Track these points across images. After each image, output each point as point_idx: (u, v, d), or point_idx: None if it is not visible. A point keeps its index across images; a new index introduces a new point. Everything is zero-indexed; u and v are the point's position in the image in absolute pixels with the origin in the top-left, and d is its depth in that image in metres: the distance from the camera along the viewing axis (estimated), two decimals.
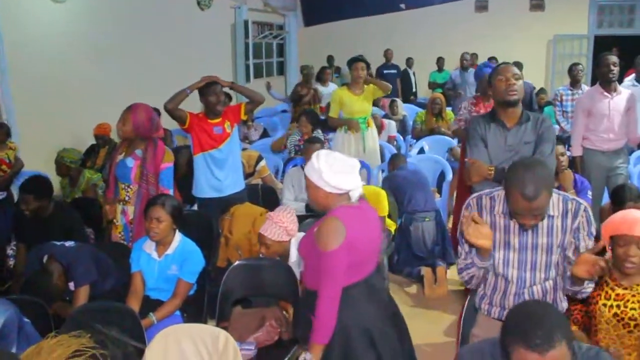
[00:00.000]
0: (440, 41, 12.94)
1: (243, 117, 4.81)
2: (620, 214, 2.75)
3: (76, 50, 6.95)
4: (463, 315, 2.95)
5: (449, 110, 8.44)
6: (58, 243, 3.59)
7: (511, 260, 2.51)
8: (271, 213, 3.67)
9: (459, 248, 2.59)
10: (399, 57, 12.28)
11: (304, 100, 8.67)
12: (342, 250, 2.45)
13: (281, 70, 13.87)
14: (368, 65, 6.29)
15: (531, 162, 2.35)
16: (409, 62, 12.47)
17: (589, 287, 2.50)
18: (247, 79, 11.22)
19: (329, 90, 9.32)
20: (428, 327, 4.39)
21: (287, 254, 3.56)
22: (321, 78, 9.93)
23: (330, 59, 13.10)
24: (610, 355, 2.19)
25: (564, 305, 2.63)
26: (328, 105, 8.25)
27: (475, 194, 2.60)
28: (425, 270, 4.89)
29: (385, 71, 11.67)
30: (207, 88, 4.53)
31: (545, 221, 2.42)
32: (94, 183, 5.88)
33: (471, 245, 2.46)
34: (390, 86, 6.33)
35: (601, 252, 2.39)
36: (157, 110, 5.02)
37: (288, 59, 13.80)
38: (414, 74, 12.46)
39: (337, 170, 2.53)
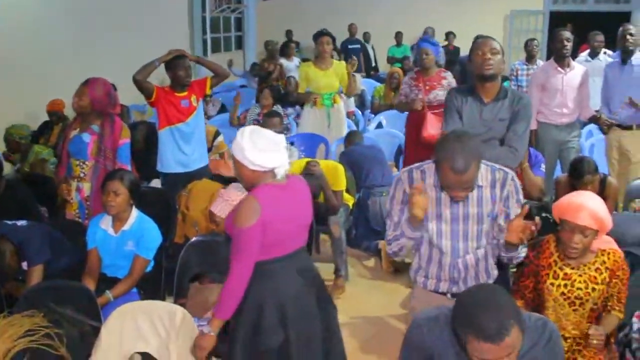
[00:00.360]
0: (399, 16, 12.95)
1: (208, 91, 4.77)
2: (567, 197, 2.77)
3: (24, 25, 6.74)
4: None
5: None
6: (9, 222, 3.50)
7: (444, 231, 2.55)
8: (223, 190, 3.65)
9: (388, 220, 2.62)
10: (359, 31, 12.27)
11: (272, 76, 8.62)
12: (255, 228, 2.44)
13: (239, 44, 13.71)
14: (334, 40, 6.28)
15: (460, 135, 2.37)
16: (366, 36, 12.47)
17: (522, 252, 2.58)
18: (205, 54, 11.07)
19: (294, 64, 9.29)
20: (386, 299, 4.48)
21: None
22: (285, 52, 9.86)
23: (289, 33, 13.00)
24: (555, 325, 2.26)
25: (494, 273, 2.69)
26: (290, 78, 8.25)
27: (405, 168, 2.63)
28: (383, 244, 4.94)
29: (350, 46, 11.65)
30: (176, 61, 4.52)
31: (474, 191, 2.46)
32: (42, 157, 5.73)
33: (408, 216, 2.47)
34: (359, 89, 6.34)
35: (529, 216, 2.44)
36: (113, 86, 4.93)
37: (246, 33, 13.65)
38: (372, 48, 12.47)
39: (261, 147, 2.49)
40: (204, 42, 11.25)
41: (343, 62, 6.35)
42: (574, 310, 2.80)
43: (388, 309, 4.31)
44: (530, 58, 7.15)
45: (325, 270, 4.79)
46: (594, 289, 2.76)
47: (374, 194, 5.19)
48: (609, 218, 2.70)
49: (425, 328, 2.15)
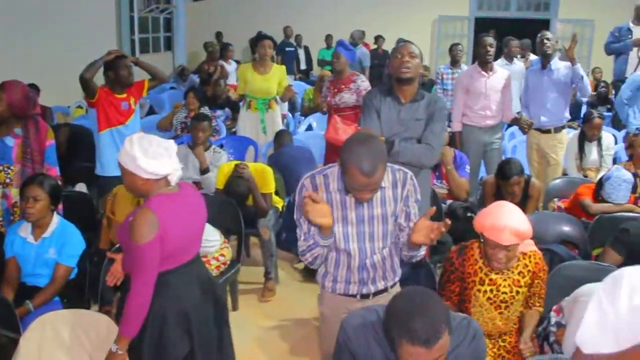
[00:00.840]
0: (330, 18, 13.04)
1: (144, 93, 4.69)
2: (490, 215, 2.78)
3: None
4: None
5: None
6: None
7: (350, 234, 2.55)
8: None
9: (298, 230, 2.59)
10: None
11: (213, 77, 8.52)
12: (154, 243, 2.39)
13: (169, 45, 13.49)
14: (275, 44, 6.26)
15: (366, 138, 2.38)
16: (298, 39, 12.49)
17: (422, 251, 2.61)
18: (133, 54, 10.81)
19: (232, 67, 9.24)
20: (316, 301, 4.43)
21: None
22: (224, 55, 9.78)
23: (219, 35, 12.89)
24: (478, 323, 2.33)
25: (399, 272, 2.73)
26: (219, 81, 8.20)
27: (307, 174, 2.62)
28: None
29: (287, 48, 11.64)
30: (118, 61, 4.44)
31: (378, 193, 2.48)
32: None
33: (313, 225, 2.46)
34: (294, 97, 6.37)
35: (437, 217, 2.50)
36: (35, 86, 4.76)
37: (176, 34, 13.44)
38: (305, 50, 12.50)
39: (152, 154, 2.43)
40: (132, 42, 11.02)
41: (283, 67, 6.33)
42: (499, 313, 2.88)
43: (318, 310, 4.29)
44: (454, 62, 7.34)
45: (256, 273, 4.79)
46: (518, 292, 2.86)
47: None
48: (529, 227, 2.75)
49: (353, 332, 2.17)
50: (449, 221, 2.39)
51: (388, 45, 11.79)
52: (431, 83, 9.22)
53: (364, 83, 5.38)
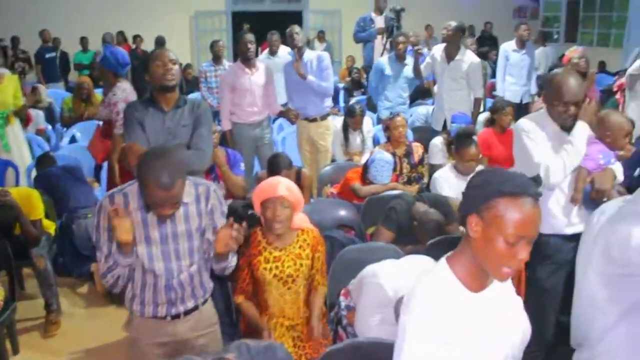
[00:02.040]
0: (83, 18, 12.16)
1: None
2: (264, 183, 3.03)
3: None
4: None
5: (98, 92, 8.07)
6: None
7: (155, 253, 2.48)
8: None
9: (98, 253, 2.49)
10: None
11: None
12: None
13: None
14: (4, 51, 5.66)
15: (162, 152, 2.35)
16: (56, 42, 11.37)
17: (233, 261, 2.65)
18: None
19: None
20: (106, 325, 4.18)
21: None
22: None
23: None
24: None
25: (210, 286, 2.73)
26: None
27: (107, 193, 2.53)
28: (95, 266, 4.65)
29: (47, 55, 10.65)
30: None
31: (181, 209, 2.46)
32: None
33: (116, 242, 2.37)
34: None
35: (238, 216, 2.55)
36: None
37: None
38: (60, 54, 11.51)
39: None
40: None
41: (16, 76, 5.77)
42: (288, 289, 3.02)
43: (110, 335, 4.03)
44: (217, 59, 7.34)
45: (35, 308, 4.37)
46: (301, 265, 3.03)
47: (78, 216, 4.86)
48: (300, 192, 3.03)
49: None
50: (245, 225, 2.45)
51: (148, 45, 11.44)
52: (196, 81, 9.16)
53: (114, 97, 4.81)
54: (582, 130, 3.01)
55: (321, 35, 12.37)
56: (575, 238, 2.09)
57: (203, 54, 12.21)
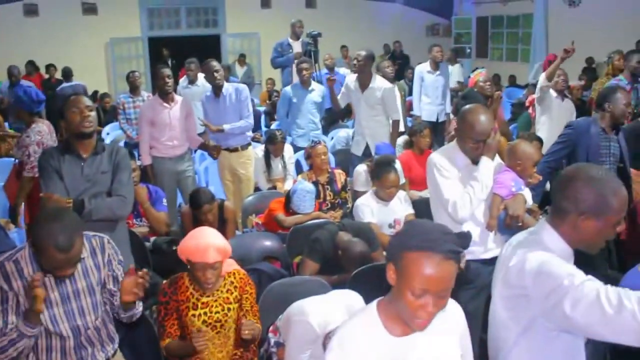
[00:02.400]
0: None
1: None
2: (191, 240, 2.90)
3: None
4: None
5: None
6: None
7: (58, 315, 2.42)
8: None
9: None
10: None
11: None
12: None
13: None
14: None
15: (56, 214, 2.30)
16: None
17: (139, 307, 2.63)
18: None
19: None
20: None
21: None
22: None
23: None
24: None
25: (116, 337, 2.69)
26: None
27: None
28: None
29: None
30: None
31: (79, 265, 2.41)
32: None
33: (24, 314, 2.29)
34: None
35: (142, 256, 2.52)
36: None
37: None
38: None
39: None
40: None
41: None
42: (217, 333, 2.99)
43: None
44: (134, 90, 7.19)
45: None
46: (229, 309, 2.99)
47: None
48: (228, 244, 2.96)
49: None
50: (132, 267, 2.48)
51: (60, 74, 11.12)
52: (114, 110, 8.94)
53: (27, 138, 4.55)
54: (486, 165, 3.17)
55: (242, 59, 12.40)
56: (493, 262, 2.24)
57: (120, 81, 11.97)
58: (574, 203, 1.93)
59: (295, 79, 7.95)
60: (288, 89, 6.76)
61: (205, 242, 2.83)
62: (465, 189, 3.13)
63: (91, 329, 2.49)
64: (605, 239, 1.99)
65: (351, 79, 6.09)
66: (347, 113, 8.07)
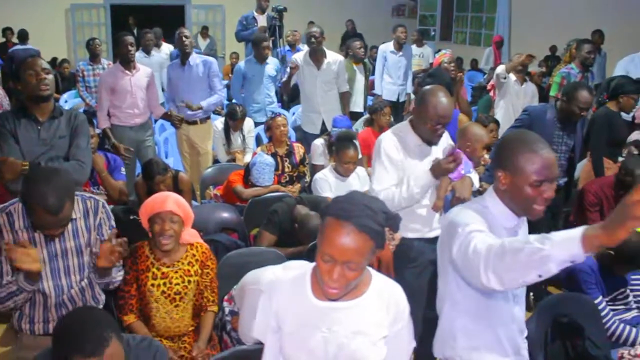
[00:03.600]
0: None
1: None
2: (151, 199, 2.96)
3: None
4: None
5: None
6: None
7: (44, 272, 2.44)
8: None
9: None
10: None
11: None
12: None
13: None
14: None
15: (48, 174, 2.30)
16: None
17: (118, 276, 2.66)
18: None
19: None
20: None
21: None
22: None
23: None
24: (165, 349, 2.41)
25: (102, 298, 2.73)
26: None
27: None
28: None
29: None
30: None
31: (69, 225, 2.43)
32: None
33: (18, 271, 2.30)
34: None
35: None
36: None
37: None
38: None
39: None
40: None
41: None
42: (175, 306, 2.98)
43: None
44: (94, 57, 7.07)
45: None
46: (190, 282, 2.99)
47: None
48: (190, 209, 3.00)
49: None
50: (113, 232, 2.46)
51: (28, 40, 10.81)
52: (73, 78, 8.78)
53: None
54: (423, 178, 3.12)
55: (205, 32, 12.23)
56: (436, 240, 2.30)
57: (81, 48, 11.72)
58: (497, 161, 2.08)
59: None
60: (241, 63, 6.72)
61: (165, 194, 2.94)
62: (397, 184, 3.13)
63: (75, 289, 2.51)
64: (533, 201, 2.01)
65: (300, 56, 6.09)
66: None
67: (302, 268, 1.93)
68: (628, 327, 3.13)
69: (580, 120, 4.40)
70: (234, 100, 7.88)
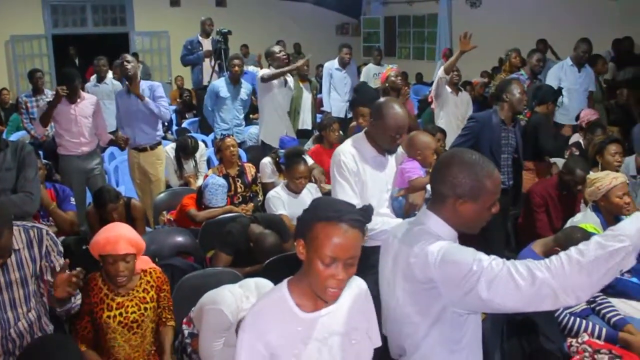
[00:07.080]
0: None
1: None
2: (102, 233, 2.89)
3: None
4: None
5: None
6: None
7: None
8: None
9: None
10: None
11: None
12: None
13: None
14: None
15: None
16: None
17: (77, 299, 2.63)
18: None
19: None
20: None
21: None
22: None
23: None
24: None
25: (50, 328, 2.68)
26: None
27: None
28: None
29: None
30: None
31: (12, 256, 2.40)
32: None
33: None
34: None
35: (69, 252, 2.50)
36: None
37: None
38: None
39: None
40: None
41: None
42: (133, 334, 2.95)
43: None
44: (36, 90, 6.98)
45: None
46: (146, 309, 2.97)
47: None
48: (141, 239, 2.96)
49: None
50: (66, 263, 2.42)
51: None
52: (13, 108, 8.62)
53: None
54: (393, 157, 3.23)
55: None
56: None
57: (23, 80, 11.47)
58: (452, 188, 1.97)
59: (206, 77, 7.98)
60: (217, 82, 6.78)
61: (116, 234, 2.83)
62: (357, 195, 3.17)
63: (22, 322, 2.46)
64: (484, 220, 2.04)
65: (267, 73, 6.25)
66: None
67: (273, 292, 1.95)
68: (578, 319, 3.22)
69: (517, 124, 4.60)
70: (186, 123, 7.87)
